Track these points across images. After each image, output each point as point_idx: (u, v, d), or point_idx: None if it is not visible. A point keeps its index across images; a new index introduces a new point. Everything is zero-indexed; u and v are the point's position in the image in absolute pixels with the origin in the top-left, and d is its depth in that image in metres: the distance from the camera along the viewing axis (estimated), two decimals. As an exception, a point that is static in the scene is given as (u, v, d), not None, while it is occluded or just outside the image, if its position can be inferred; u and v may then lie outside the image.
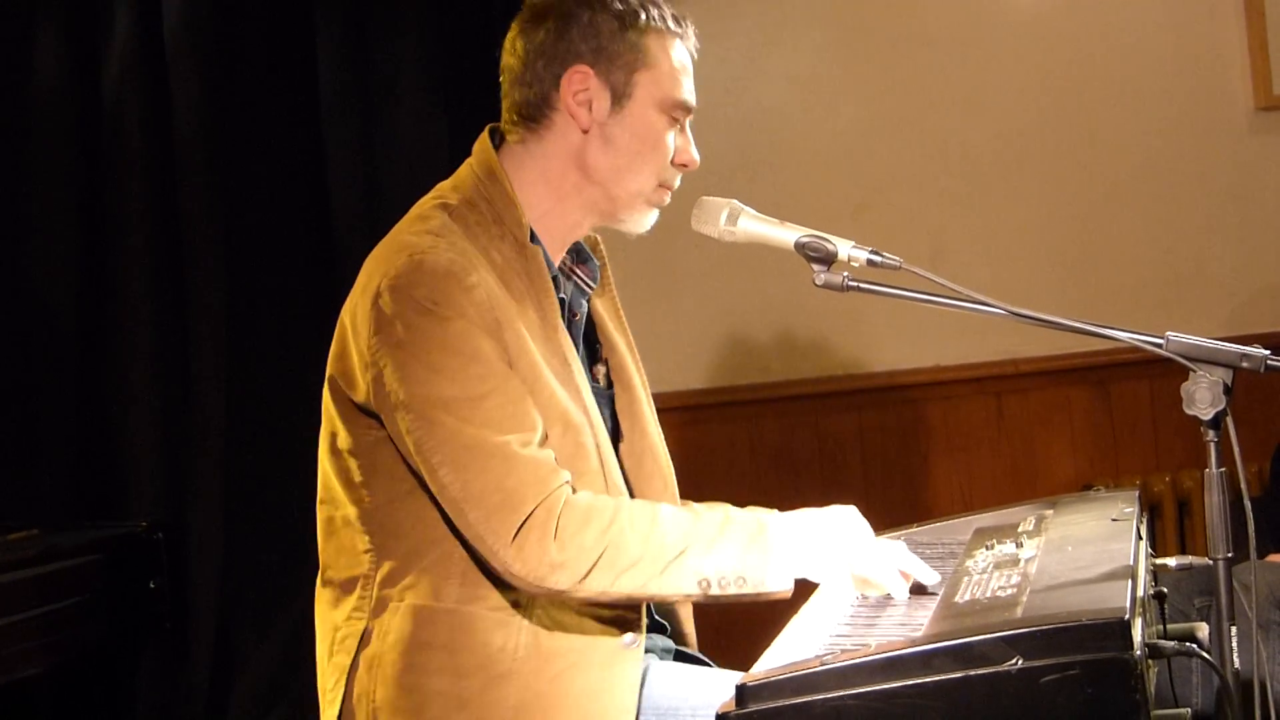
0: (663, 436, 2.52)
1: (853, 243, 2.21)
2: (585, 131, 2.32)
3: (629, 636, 2.25)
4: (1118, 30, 4.52)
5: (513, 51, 2.37)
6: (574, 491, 2.18)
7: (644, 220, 2.40)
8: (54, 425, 3.95)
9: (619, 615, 2.25)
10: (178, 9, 3.93)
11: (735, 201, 2.32)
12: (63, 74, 3.93)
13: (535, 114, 2.34)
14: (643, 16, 2.32)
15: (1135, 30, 4.53)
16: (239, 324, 4.02)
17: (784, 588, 2.16)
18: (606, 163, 2.33)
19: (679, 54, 2.36)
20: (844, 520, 2.27)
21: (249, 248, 4.05)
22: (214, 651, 3.95)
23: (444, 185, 2.38)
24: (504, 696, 2.21)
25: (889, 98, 4.49)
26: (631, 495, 2.41)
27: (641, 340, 2.55)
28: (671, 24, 2.35)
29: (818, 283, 2.22)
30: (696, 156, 2.39)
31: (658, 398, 2.57)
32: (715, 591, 2.15)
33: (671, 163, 2.36)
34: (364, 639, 2.29)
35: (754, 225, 2.29)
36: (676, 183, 2.40)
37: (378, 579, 2.29)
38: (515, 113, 2.36)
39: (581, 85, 2.31)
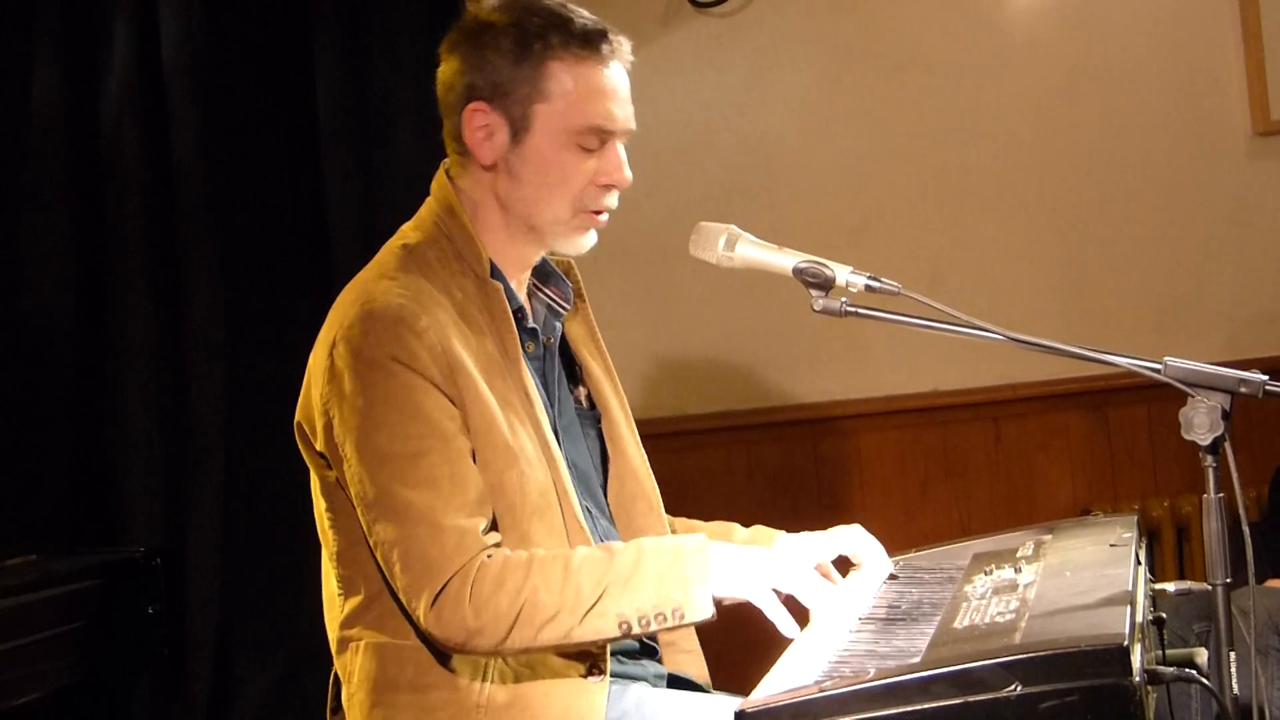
0: (645, 458, 2.51)
1: (851, 268, 2.21)
2: (491, 166, 2.30)
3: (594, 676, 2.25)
4: (1115, 55, 4.54)
5: (437, 84, 2.36)
6: (493, 555, 2.15)
7: (577, 243, 2.35)
8: (52, 451, 3.94)
9: (583, 650, 2.25)
10: (175, 34, 3.94)
11: (733, 227, 2.31)
12: (61, 100, 3.92)
13: (457, 148, 2.34)
14: (538, 46, 2.26)
15: (1133, 55, 4.54)
16: (237, 349, 4.01)
17: (704, 615, 2.14)
18: (516, 195, 2.31)
19: (589, 77, 2.27)
20: (784, 539, 2.31)
21: (247, 272, 4.04)
22: (212, 678, 3.93)
23: (407, 225, 2.38)
24: None
25: (887, 123, 4.50)
26: (615, 519, 2.42)
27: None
28: (578, 47, 2.27)
29: (816, 308, 2.22)
30: (627, 175, 2.32)
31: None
32: (637, 630, 2.14)
33: (596, 184, 2.31)
34: (335, 683, 2.33)
35: (752, 250, 2.29)
36: (608, 201, 2.33)
37: (341, 618, 2.31)
38: (447, 146, 2.37)
39: (481, 121, 2.29)
